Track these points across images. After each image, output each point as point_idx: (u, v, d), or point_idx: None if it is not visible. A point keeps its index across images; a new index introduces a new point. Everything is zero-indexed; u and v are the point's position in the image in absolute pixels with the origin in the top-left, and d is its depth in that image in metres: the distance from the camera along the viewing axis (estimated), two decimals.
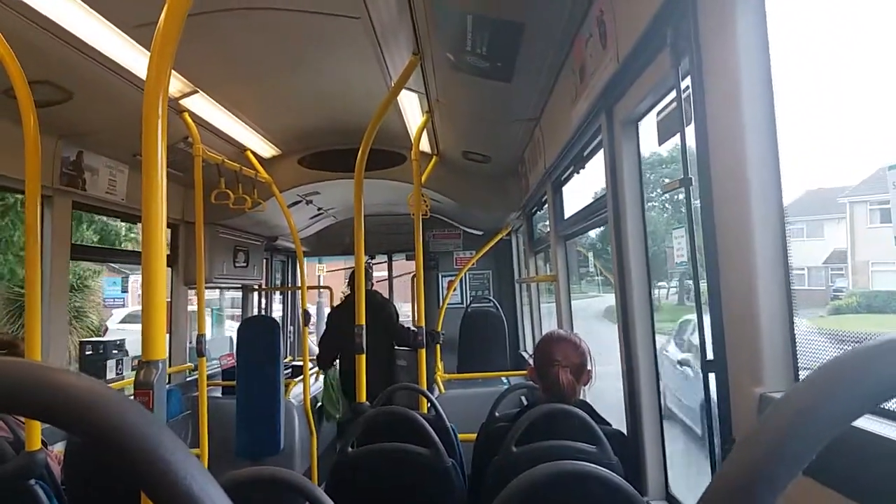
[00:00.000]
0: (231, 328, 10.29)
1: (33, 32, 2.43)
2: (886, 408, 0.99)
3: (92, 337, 11.93)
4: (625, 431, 2.19)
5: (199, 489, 0.36)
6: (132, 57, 2.79)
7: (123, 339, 5.72)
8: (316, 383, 5.71)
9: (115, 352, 5.45)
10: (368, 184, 3.43)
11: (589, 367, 2.13)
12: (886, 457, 0.89)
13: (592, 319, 6.64)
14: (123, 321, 14.60)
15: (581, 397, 2.15)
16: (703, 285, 1.52)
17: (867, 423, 0.96)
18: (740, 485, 0.35)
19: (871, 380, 0.34)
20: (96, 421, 0.37)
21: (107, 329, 14.10)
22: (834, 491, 0.97)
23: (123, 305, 16.17)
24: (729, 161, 1.31)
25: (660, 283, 5.72)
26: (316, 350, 6.21)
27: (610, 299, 2.51)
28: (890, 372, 0.34)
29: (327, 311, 10.45)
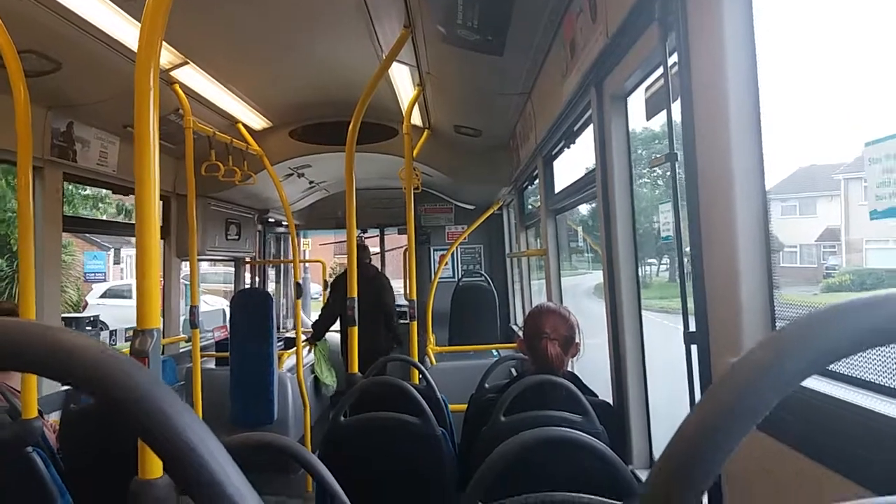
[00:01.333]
0: (206, 303, 10.11)
1: (17, 0, 2.39)
2: (834, 370, 1.05)
3: (71, 313, 11.75)
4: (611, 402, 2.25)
5: (198, 440, 0.39)
6: (122, 27, 2.76)
7: (97, 315, 5.69)
8: (309, 355, 5.76)
9: (88, 329, 5.37)
10: (360, 157, 3.42)
11: (577, 340, 2.17)
12: (833, 414, 0.96)
13: (583, 297, 6.67)
14: (104, 296, 14.49)
15: (569, 369, 2.19)
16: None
17: (820, 384, 1.02)
18: (698, 436, 0.38)
19: (817, 344, 0.37)
20: (101, 373, 0.39)
21: (86, 304, 13.96)
22: (788, 447, 1.03)
23: (105, 280, 15.91)
24: (713, 137, 1.33)
25: (650, 260, 5.74)
26: (308, 322, 6.26)
27: (600, 276, 2.53)
28: (832, 337, 0.37)
29: (313, 286, 10.47)
